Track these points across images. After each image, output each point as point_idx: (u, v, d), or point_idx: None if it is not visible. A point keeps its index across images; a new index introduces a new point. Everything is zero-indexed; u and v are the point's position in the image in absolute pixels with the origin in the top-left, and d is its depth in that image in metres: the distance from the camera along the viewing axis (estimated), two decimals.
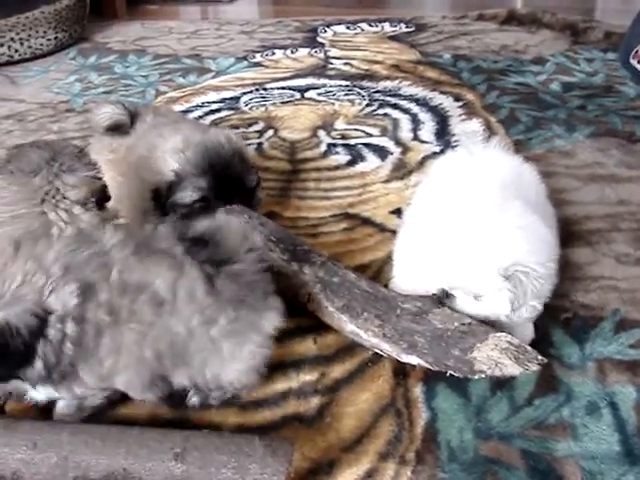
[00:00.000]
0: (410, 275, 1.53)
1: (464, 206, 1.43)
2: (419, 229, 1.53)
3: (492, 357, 1.29)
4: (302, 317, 1.52)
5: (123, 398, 1.34)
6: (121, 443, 1.17)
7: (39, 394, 1.27)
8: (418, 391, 1.37)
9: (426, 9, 4.40)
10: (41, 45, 3.59)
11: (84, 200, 1.44)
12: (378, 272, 1.67)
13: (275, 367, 1.42)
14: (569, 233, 1.77)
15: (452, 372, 1.34)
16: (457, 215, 1.41)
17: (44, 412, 1.33)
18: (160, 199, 1.69)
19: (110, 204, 1.52)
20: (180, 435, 1.19)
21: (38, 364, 1.18)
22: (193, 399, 1.36)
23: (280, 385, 1.40)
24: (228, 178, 1.69)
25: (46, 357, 1.17)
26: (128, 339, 1.22)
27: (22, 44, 3.51)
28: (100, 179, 1.49)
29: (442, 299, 1.41)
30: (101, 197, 1.49)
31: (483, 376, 1.31)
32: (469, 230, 1.36)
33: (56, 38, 3.64)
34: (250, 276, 1.32)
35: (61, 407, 1.33)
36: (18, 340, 1.14)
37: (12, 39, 3.47)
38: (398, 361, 1.41)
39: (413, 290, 1.48)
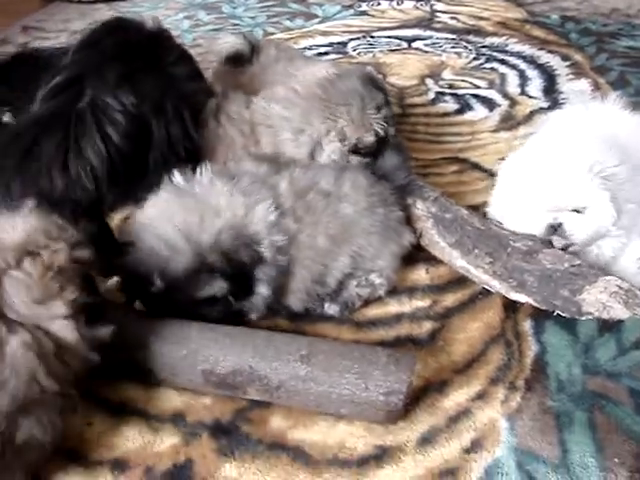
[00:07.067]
0: (511, 212, 1.55)
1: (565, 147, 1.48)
2: (521, 167, 1.56)
3: (601, 300, 1.30)
4: (414, 248, 1.55)
5: None
6: (248, 343, 1.21)
7: None
8: (527, 325, 1.40)
9: None
10: None
11: None
12: None
13: (388, 292, 1.48)
14: None
15: (560, 312, 1.37)
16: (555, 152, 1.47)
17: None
18: None
19: None
20: (306, 340, 1.24)
21: (262, 289, 1.30)
22: (333, 307, 1.42)
23: (393, 308, 1.45)
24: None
25: (268, 277, 1.29)
26: (304, 233, 1.34)
27: None
28: None
29: (551, 238, 1.44)
30: None
31: (590, 317, 1.33)
32: (563, 157, 1.44)
33: None
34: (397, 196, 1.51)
35: None
36: (239, 264, 1.25)
37: None
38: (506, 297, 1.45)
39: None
